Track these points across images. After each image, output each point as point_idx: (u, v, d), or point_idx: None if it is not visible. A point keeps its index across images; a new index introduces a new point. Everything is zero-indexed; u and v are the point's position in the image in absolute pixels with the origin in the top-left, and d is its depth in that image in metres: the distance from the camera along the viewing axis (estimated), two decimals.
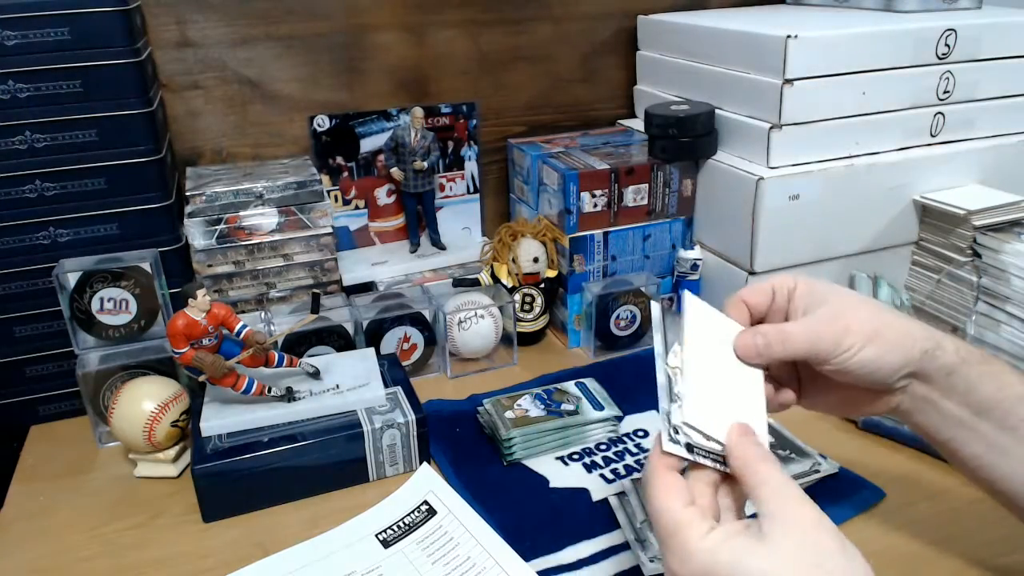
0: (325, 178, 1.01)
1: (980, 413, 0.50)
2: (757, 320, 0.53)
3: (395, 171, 1.00)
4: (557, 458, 0.73)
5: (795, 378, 0.54)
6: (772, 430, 0.75)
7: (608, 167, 0.90)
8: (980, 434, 0.50)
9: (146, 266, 0.76)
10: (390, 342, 0.86)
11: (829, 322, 0.49)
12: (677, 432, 0.44)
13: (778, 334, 0.49)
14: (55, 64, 0.73)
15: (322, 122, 0.99)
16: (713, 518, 0.42)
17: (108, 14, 0.73)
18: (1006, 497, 0.51)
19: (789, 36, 0.81)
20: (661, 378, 0.46)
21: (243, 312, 0.88)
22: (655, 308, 0.51)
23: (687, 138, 0.90)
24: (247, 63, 0.95)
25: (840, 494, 0.66)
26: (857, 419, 0.76)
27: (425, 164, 0.98)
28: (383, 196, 1.05)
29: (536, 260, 0.91)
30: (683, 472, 0.45)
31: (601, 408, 0.76)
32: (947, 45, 0.88)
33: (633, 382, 0.84)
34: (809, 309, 0.50)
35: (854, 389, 0.51)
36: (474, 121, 1.05)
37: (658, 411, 0.45)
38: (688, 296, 0.50)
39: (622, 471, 0.71)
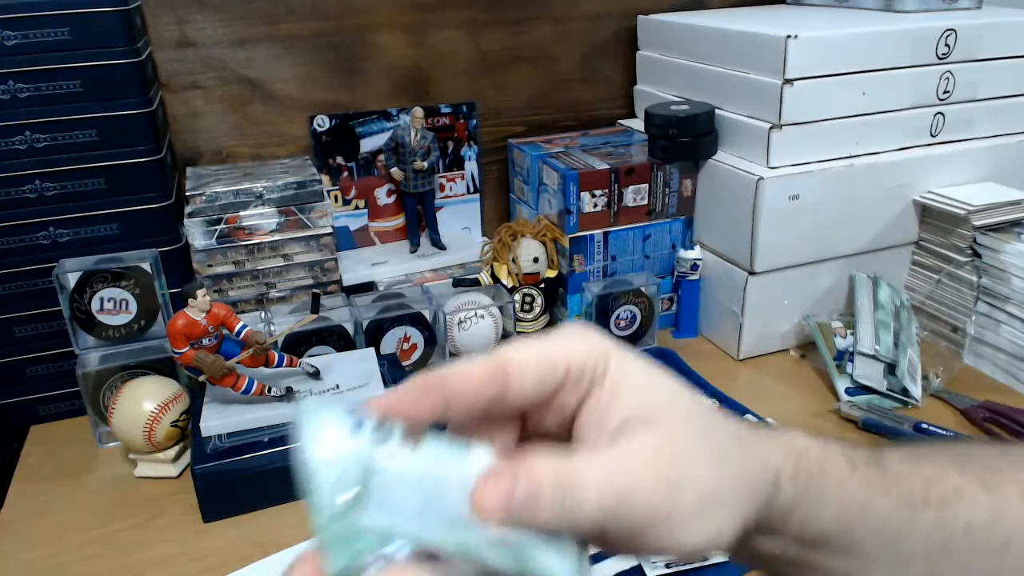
0: (325, 178, 1.00)
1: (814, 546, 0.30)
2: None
3: (395, 171, 1.00)
4: None
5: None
6: None
7: (608, 167, 0.90)
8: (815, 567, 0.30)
9: (146, 266, 0.76)
10: (390, 342, 0.86)
11: (653, 467, 0.26)
12: None
13: (565, 483, 0.25)
14: (55, 64, 0.73)
15: (322, 122, 0.99)
16: None
17: (108, 14, 0.73)
18: None
19: (789, 36, 0.81)
20: None
21: (243, 312, 0.88)
22: None
23: (687, 138, 0.90)
24: (247, 63, 0.95)
25: None
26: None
27: (425, 164, 0.98)
28: (383, 196, 1.05)
29: (536, 260, 0.91)
30: None
31: None
32: (947, 45, 0.88)
33: None
34: (623, 427, 0.27)
35: None
36: (474, 121, 1.05)
37: None
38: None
39: None
